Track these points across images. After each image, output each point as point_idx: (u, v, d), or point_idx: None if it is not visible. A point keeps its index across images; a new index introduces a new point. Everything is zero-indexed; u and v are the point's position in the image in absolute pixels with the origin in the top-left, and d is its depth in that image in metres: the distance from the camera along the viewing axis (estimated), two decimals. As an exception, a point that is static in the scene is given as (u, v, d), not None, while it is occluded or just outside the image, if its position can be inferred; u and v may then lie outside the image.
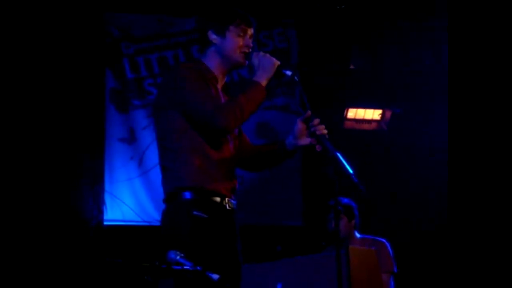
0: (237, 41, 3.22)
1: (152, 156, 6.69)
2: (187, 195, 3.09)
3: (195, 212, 3.06)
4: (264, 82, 3.17)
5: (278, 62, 3.20)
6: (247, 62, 3.25)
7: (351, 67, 7.34)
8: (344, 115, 7.45)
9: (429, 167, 7.20)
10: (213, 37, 3.23)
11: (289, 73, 3.20)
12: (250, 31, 3.25)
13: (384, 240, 5.37)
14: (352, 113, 7.50)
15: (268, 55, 3.22)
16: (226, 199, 3.17)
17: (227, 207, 3.17)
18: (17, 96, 2.05)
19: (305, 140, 3.28)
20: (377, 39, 7.30)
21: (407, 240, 6.78)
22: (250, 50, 3.24)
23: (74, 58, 6.12)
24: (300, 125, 3.28)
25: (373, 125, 7.54)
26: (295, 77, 3.20)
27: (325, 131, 3.14)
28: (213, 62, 3.24)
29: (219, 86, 3.27)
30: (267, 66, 3.18)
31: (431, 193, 7.11)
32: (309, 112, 3.20)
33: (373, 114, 7.54)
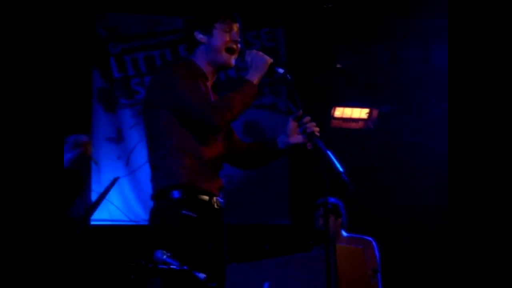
0: (224, 38, 3.21)
1: (140, 156, 6.68)
2: (176, 193, 3.09)
3: (184, 212, 3.05)
4: (256, 81, 3.17)
5: (271, 60, 3.19)
6: (233, 63, 3.25)
7: (338, 66, 7.36)
8: (331, 114, 7.46)
9: (416, 165, 7.24)
10: (200, 36, 3.22)
11: (281, 71, 3.19)
12: (236, 26, 3.25)
13: (370, 239, 5.39)
14: (339, 112, 7.52)
15: (261, 53, 3.21)
16: (214, 198, 3.16)
17: (215, 206, 3.16)
18: (2, 95, 2.04)
19: (297, 138, 3.28)
20: (364, 38, 7.31)
21: (394, 238, 6.81)
22: (238, 45, 3.24)
23: (61, 58, 6.09)
24: (292, 123, 3.28)
25: (360, 124, 7.56)
26: (287, 75, 3.20)
27: (316, 129, 3.14)
28: (202, 61, 3.24)
29: (209, 84, 3.27)
30: (260, 64, 3.18)
31: (420, 191, 7.14)
32: (300, 111, 3.20)
33: (360, 113, 7.56)
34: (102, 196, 4.58)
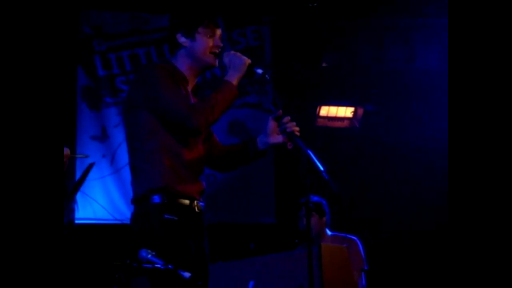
0: (207, 43, 3.20)
1: (125, 154, 6.57)
2: (157, 198, 3.07)
3: (166, 216, 3.04)
4: (235, 81, 3.16)
5: (249, 61, 3.19)
6: (217, 62, 3.24)
7: (324, 65, 7.37)
8: (317, 112, 7.48)
9: (401, 163, 7.27)
10: (183, 40, 3.20)
11: (260, 71, 3.20)
12: (219, 31, 3.24)
13: (355, 238, 5.40)
14: (325, 110, 7.54)
15: (239, 53, 3.21)
16: (195, 201, 3.15)
17: (196, 210, 3.15)
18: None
19: (277, 138, 3.28)
20: (349, 37, 7.33)
21: (374, 238, 6.83)
22: (220, 50, 3.23)
23: (45, 55, 6.06)
24: (271, 123, 3.28)
25: (346, 122, 7.58)
26: (266, 75, 3.20)
27: (296, 129, 3.14)
28: (183, 64, 3.22)
29: (189, 88, 3.25)
30: (238, 65, 3.17)
31: (406, 189, 7.17)
32: (280, 111, 3.20)
33: (346, 111, 7.58)
34: (79, 184, 4.54)
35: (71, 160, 6.47)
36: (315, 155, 2.99)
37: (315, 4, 6.96)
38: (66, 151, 3.29)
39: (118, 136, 6.76)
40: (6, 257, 2.26)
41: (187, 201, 3.11)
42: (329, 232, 5.49)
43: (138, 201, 3.12)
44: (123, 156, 6.68)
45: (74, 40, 6.79)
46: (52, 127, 2.44)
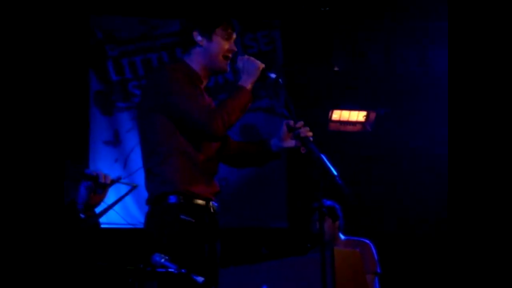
0: (223, 45, 3.22)
1: (137, 159, 6.62)
2: (173, 198, 3.10)
3: (182, 216, 3.06)
4: (249, 86, 3.18)
5: (263, 65, 3.20)
6: (228, 69, 3.26)
7: (336, 69, 7.36)
8: (329, 117, 7.47)
9: (413, 167, 7.24)
10: (199, 38, 3.22)
11: (273, 75, 3.21)
12: (234, 35, 3.27)
13: (368, 241, 5.39)
14: (337, 115, 7.52)
15: (252, 58, 3.22)
16: (210, 202, 3.17)
17: (211, 210, 3.17)
18: None
19: (290, 143, 3.29)
20: (361, 41, 7.33)
21: (393, 241, 6.81)
22: (233, 54, 3.25)
23: (58, 61, 6.08)
24: (284, 128, 3.29)
25: (358, 126, 7.57)
26: (280, 80, 3.21)
27: (310, 133, 3.15)
28: (197, 63, 3.23)
29: (202, 86, 3.27)
30: (252, 69, 3.18)
31: (419, 193, 7.15)
32: (291, 122, 3.19)
33: (358, 115, 7.57)
34: (115, 203, 4.55)
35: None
36: (328, 160, 2.99)
37: (327, 9, 6.96)
38: (108, 176, 3.31)
39: (131, 140, 6.78)
40: (13, 262, 2.28)
41: (203, 202, 3.13)
42: (342, 236, 5.48)
43: (154, 202, 3.14)
44: (136, 161, 6.69)
45: (87, 45, 6.82)
46: (64, 132, 2.45)
